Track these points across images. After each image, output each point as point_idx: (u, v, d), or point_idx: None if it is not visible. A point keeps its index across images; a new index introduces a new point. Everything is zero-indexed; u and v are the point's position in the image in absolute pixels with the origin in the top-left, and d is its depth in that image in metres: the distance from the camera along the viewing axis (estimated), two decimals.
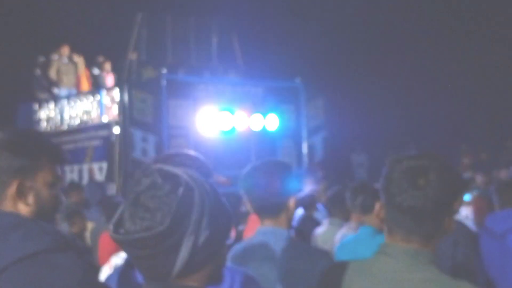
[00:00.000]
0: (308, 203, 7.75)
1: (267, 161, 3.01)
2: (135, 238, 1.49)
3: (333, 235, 5.63)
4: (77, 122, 14.51)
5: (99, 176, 13.39)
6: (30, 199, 2.04)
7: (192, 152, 2.23)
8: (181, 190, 1.51)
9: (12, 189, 2.02)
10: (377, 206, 2.12)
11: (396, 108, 20.66)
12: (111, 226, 1.56)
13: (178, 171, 1.56)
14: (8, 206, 2.01)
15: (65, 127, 14.81)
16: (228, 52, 15.58)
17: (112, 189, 12.53)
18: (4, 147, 2.02)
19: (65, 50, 15.89)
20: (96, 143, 13.78)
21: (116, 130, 12.93)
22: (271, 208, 2.93)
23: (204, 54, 15.20)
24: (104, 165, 13.34)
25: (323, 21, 20.58)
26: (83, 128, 14.17)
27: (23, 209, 2.03)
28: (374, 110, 20.73)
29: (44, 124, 15.39)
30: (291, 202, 2.97)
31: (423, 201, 1.95)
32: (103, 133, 13.55)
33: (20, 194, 2.02)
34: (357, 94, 20.29)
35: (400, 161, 2.04)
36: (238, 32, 16.01)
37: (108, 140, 13.27)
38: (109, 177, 12.92)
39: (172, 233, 1.48)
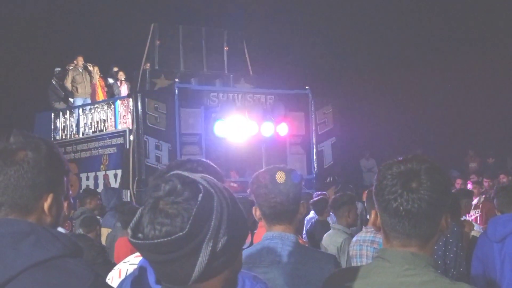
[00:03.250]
0: (320, 207, 7.86)
1: (279, 168, 3.01)
2: (154, 243, 1.49)
3: (335, 239, 5.86)
4: (92, 130, 14.85)
5: (114, 183, 13.68)
6: (54, 210, 2.07)
7: (203, 159, 2.26)
8: (200, 196, 1.52)
9: (46, 202, 2.05)
10: (373, 214, 2.13)
11: (404, 113, 20.79)
12: (129, 231, 1.56)
13: (197, 177, 1.57)
14: (33, 217, 2.02)
15: (80, 135, 15.13)
16: (239, 61, 15.79)
17: (126, 196, 12.81)
18: (41, 161, 2.03)
19: (80, 61, 16.16)
20: (111, 150, 14.08)
21: (131, 138, 13.23)
22: (282, 214, 2.96)
23: (215, 63, 15.41)
24: (119, 172, 13.63)
25: (332, 30, 20.79)
26: (98, 136, 14.48)
27: (47, 220, 2.06)
28: (383, 116, 20.88)
29: (60, 133, 15.72)
30: (302, 208, 3.04)
31: (419, 203, 1.96)
32: (118, 141, 13.86)
33: (51, 207, 2.06)
34: (366, 101, 20.45)
35: (390, 167, 2.04)
36: (248, 41, 16.24)
37: (122, 147, 13.57)
38: (124, 184, 13.18)
39: (191, 239, 1.49)
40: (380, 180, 2.04)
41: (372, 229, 5.26)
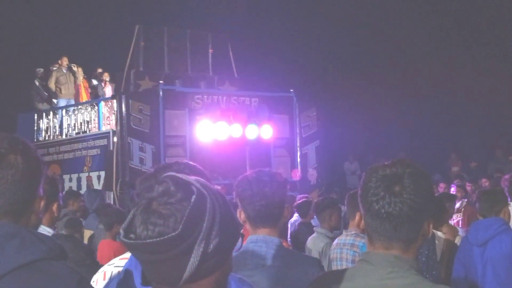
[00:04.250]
0: (304, 210, 7.85)
1: (262, 171, 3.03)
2: (147, 243, 1.51)
3: (318, 243, 5.87)
4: (75, 131, 14.78)
5: (97, 185, 13.62)
6: (41, 212, 2.13)
7: (189, 161, 2.24)
8: (193, 197, 1.54)
9: (38, 205, 2.09)
10: (357, 216, 2.15)
11: (387, 117, 20.90)
12: (121, 231, 1.57)
13: (190, 179, 1.59)
14: (22, 220, 2.03)
15: (64, 136, 15.06)
16: (223, 64, 15.82)
17: (109, 198, 12.76)
18: (31, 164, 2.05)
19: (64, 61, 16.09)
20: (94, 152, 14.03)
21: (114, 139, 13.19)
22: (268, 217, 2.96)
23: (200, 65, 15.41)
24: (102, 173, 13.58)
25: (317, 33, 20.86)
26: (82, 138, 14.43)
27: (33, 221, 2.09)
28: (366, 120, 20.99)
29: (43, 134, 15.63)
30: (286, 211, 3.04)
31: (400, 206, 1.98)
32: (101, 142, 13.81)
33: (41, 209, 2.11)
34: (349, 104, 20.54)
35: (376, 170, 2.08)
36: (233, 43, 16.26)
37: (106, 149, 13.52)
38: (107, 185, 13.14)
39: (183, 239, 1.50)
40: (365, 183, 2.07)
41: (353, 232, 5.28)
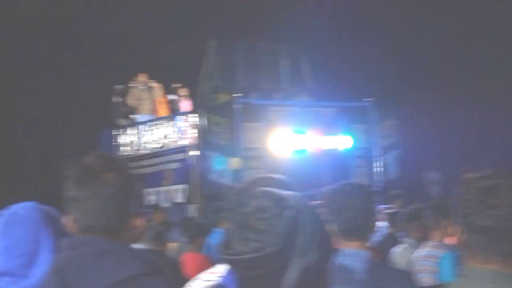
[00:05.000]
0: (394, 220, 7.72)
1: (350, 183, 3.08)
2: (244, 259, 1.53)
3: (408, 255, 5.70)
4: (155, 146, 15.04)
5: (178, 198, 13.81)
6: (136, 228, 2.16)
7: (280, 175, 2.24)
8: (289, 212, 1.54)
9: (132, 221, 2.13)
10: (458, 229, 2.13)
11: (469, 125, 20.38)
12: (220, 247, 1.61)
13: (285, 194, 1.60)
14: (119, 237, 2.08)
15: (144, 151, 15.34)
16: (299, 74, 15.79)
17: (192, 211, 12.91)
18: (125, 181, 2.12)
19: (142, 78, 16.42)
20: (173, 166, 14.23)
21: (193, 153, 13.35)
22: (357, 230, 2.96)
23: (275, 77, 15.46)
24: (183, 187, 13.76)
25: (396, 40, 20.60)
26: (161, 152, 14.67)
27: (128, 237, 2.14)
28: (448, 128, 20.52)
29: (124, 149, 15.98)
30: (375, 224, 3.06)
31: (499, 220, 1.94)
32: (180, 156, 14.00)
33: (135, 225, 2.15)
34: (430, 112, 20.14)
35: (472, 181, 2.03)
36: (308, 53, 16.22)
37: (185, 163, 13.70)
38: (190, 199, 13.32)
39: (281, 255, 1.51)
40: (460, 195, 2.03)
41: (436, 244, 5.15)
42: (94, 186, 2.05)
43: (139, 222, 2.16)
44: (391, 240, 7.19)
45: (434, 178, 19.28)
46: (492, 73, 20.28)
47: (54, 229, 2.41)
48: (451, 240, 4.99)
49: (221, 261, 1.61)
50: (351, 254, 2.94)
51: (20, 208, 2.46)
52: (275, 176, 2.23)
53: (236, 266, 1.57)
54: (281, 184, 2.11)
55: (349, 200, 2.95)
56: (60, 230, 2.41)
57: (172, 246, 8.76)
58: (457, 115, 20.26)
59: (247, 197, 1.61)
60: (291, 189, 2.03)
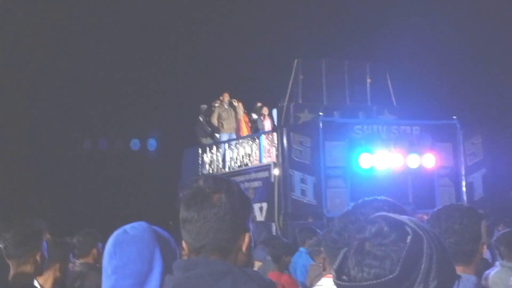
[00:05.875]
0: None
1: (452, 206, 2.96)
2: (363, 285, 1.48)
3: (506, 278, 5.55)
4: (238, 164, 15.22)
5: (260, 216, 13.88)
6: (249, 249, 2.16)
7: (388, 198, 2.24)
8: (409, 238, 1.49)
9: (244, 242, 2.13)
10: None
11: None
12: (333, 273, 1.57)
13: (403, 219, 1.55)
14: (231, 258, 2.09)
15: (226, 169, 15.54)
16: (382, 93, 15.67)
17: (275, 229, 12.96)
18: (236, 202, 2.14)
19: (226, 97, 16.66)
20: (256, 184, 14.34)
21: (276, 171, 13.43)
22: (459, 255, 2.85)
23: (358, 95, 15.39)
24: (264, 205, 13.83)
25: (481, 57, 20.17)
26: (244, 170, 14.83)
27: (243, 259, 2.13)
28: None
29: (207, 167, 16.24)
30: (482, 248, 2.93)
31: None
32: (263, 174, 14.10)
33: (248, 246, 2.15)
34: None
35: None
36: (391, 72, 16.08)
37: (267, 181, 13.78)
38: (269, 217, 13.37)
39: (401, 282, 1.47)
40: None
41: None
42: (204, 207, 2.07)
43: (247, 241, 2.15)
44: (483, 262, 6.99)
45: None
46: None
47: (165, 250, 2.44)
48: None
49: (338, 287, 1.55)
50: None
51: (132, 228, 2.48)
52: (384, 198, 2.23)
53: None
54: (390, 206, 2.15)
55: (449, 224, 2.85)
56: (171, 251, 2.46)
57: (257, 265, 8.80)
58: None
59: (365, 222, 1.56)
60: (403, 211, 2.07)
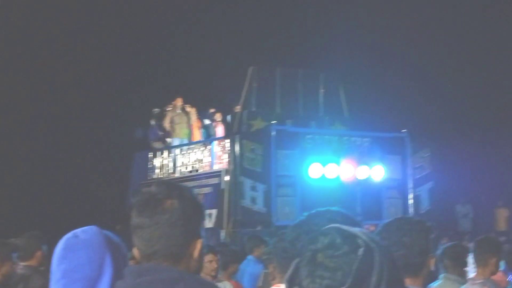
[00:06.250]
0: None
1: (403, 219, 2.98)
2: None
3: None
4: (188, 170, 15.13)
5: (208, 223, 13.82)
6: (200, 256, 2.15)
7: (341, 209, 2.24)
8: (361, 250, 1.50)
9: (196, 249, 2.12)
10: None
11: (502, 159, 20.19)
12: (285, 283, 1.58)
13: (356, 231, 1.55)
14: (182, 265, 2.08)
15: (177, 174, 15.43)
16: (335, 104, 15.84)
17: (224, 236, 12.92)
18: (188, 208, 2.11)
19: (179, 102, 16.56)
20: (206, 190, 14.28)
21: (227, 178, 13.41)
22: (407, 267, 2.84)
23: (311, 105, 15.53)
24: (214, 212, 13.78)
25: (430, 72, 20.58)
26: (194, 176, 14.74)
27: (194, 266, 2.12)
28: (481, 161, 20.34)
29: (157, 171, 16.10)
30: (431, 262, 2.94)
31: None
32: (213, 181, 14.04)
33: (199, 253, 2.14)
34: (464, 145, 20.01)
35: None
36: (344, 83, 16.29)
37: (218, 187, 13.74)
38: (218, 223, 13.33)
39: None
40: None
41: (480, 281, 5.08)
42: (156, 213, 2.05)
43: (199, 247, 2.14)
44: (430, 275, 7.06)
45: (464, 212, 19.09)
46: None
47: (116, 255, 2.39)
48: (496, 278, 4.96)
49: None
50: None
51: (82, 232, 2.43)
52: (336, 209, 2.22)
53: None
54: (343, 218, 2.14)
55: (399, 236, 2.83)
56: (122, 256, 2.41)
57: None
58: (491, 148, 20.09)
59: (318, 233, 1.56)
60: (356, 223, 2.07)
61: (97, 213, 16.47)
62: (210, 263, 6.36)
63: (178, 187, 2.15)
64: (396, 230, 2.88)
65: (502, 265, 6.89)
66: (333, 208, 2.25)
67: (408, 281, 2.84)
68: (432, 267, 3.02)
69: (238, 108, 15.32)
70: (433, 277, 6.86)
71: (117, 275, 2.28)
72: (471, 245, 6.11)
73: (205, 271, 6.22)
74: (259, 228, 12.75)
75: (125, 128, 18.92)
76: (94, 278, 2.35)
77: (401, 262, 2.72)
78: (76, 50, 20.38)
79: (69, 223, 2.74)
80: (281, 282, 3.26)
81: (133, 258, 2.34)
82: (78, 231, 2.45)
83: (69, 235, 2.44)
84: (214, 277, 6.47)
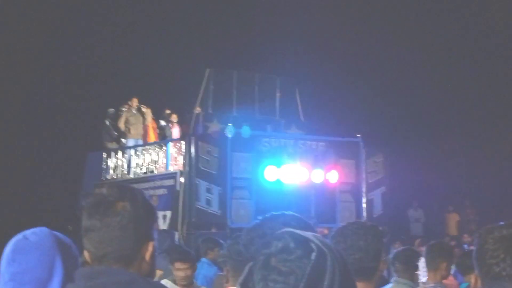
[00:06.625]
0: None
1: (357, 223, 3.02)
2: None
3: None
4: (143, 171, 15.01)
5: (163, 225, 13.73)
6: (152, 259, 2.13)
7: (295, 213, 2.27)
8: (313, 255, 1.51)
9: (148, 251, 2.10)
10: (473, 279, 2.14)
11: (453, 164, 20.56)
12: (239, 287, 1.58)
13: (309, 235, 1.56)
14: (134, 267, 2.06)
15: (131, 175, 15.29)
16: (291, 108, 15.96)
17: (177, 238, 12.85)
18: (139, 210, 2.09)
19: (134, 102, 16.37)
20: (161, 192, 14.19)
21: (182, 180, 13.35)
22: (362, 271, 2.88)
23: (268, 108, 15.62)
24: (168, 213, 13.71)
25: (386, 78, 20.82)
26: (149, 177, 14.63)
27: (146, 269, 2.11)
28: (432, 166, 20.68)
29: (111, 172, 15.93)
30: (382, 266, 2.96)
31: None
32: (168, 182, 13.97)
33: (151, 255, 2.12)
34: (416, 150, 20.31)
35: (491, 231, 2.05)
36: (300, 88, 16.40)
37: (173, 189, 13.67)
38: (173, 225, 13.26)
39: None
40: (482, 245, 2.04)
41: (431, 285, 5.15)
42: (107, 215, 2.03)
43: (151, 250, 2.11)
44: (381, 279, 7.13)
45: (416, 216, 19.38)
46: (477, 119, 20.53)
47: (67, 257, 2.37)
48: (447, 282, 5.04)
49: None
50: None
51: (32, 233, 2.40)
52: (288, 213, 2.24)
53: None
54: (297, 222, 2.17)
55: (354, 240, 2.87)
56: (73, 258, 2.39)
57: (158, 274, 8.70)
58: (443, 154, 20.44)
59: (272, 237, 1.56)
60: (309, 227, 2.09)
61: (48, 214, 16.19)
62: (180, 271, 6.33)
63: (130, 189, 2.14)
64: (351, 234, 2.91)
65: (453, 269, 7.03)
66: (287, 212, 2.26)
67: (361, 285, 2.80)
68: (383, 271, 3.06)
69: (198, 109, 15.28)
70: (384, 281, 6.94)
71: (67, 278, 2.25)
72: (423, 249, 6.22)
73: (177, 280, 6.21)
74: (213, 230, 12.73)
75: (79, 128, 18.67)
76: (44, 280, 2.33)
77: (356, 266, 2.84)
78: (32, 47, 20.04)
79: (19, 224, 2.68)
80: (234, 285, 3.26)
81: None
82: (28, 232, 2.42)
83: (18, 236, 2.41)
84: (186, 286, 6.41)
